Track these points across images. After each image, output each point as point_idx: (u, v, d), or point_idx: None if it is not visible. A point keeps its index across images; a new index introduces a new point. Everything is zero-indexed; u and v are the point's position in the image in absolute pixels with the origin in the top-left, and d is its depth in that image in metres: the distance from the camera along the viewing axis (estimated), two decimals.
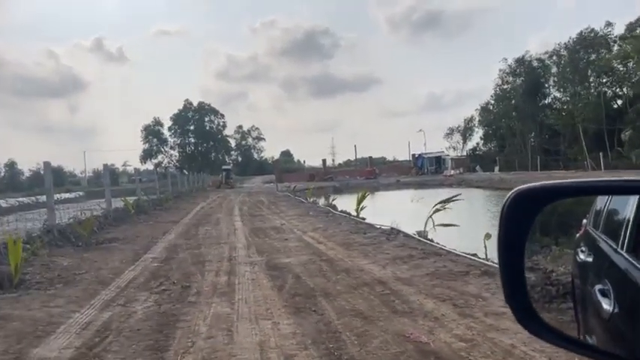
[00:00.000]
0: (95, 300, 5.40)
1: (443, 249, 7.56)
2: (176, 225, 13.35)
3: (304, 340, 3.93)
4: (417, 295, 5.06)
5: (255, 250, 8.49)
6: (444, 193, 18.03)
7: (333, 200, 19.41)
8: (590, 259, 1.29)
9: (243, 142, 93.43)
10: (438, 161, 61.08)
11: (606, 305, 1.02)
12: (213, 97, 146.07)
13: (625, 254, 1.06)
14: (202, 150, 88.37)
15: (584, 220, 1.36)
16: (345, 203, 17.71)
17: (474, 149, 69.43)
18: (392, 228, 10.11)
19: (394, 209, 18.96)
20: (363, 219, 13.09)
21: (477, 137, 69.92)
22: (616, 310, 0.99)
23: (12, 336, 4.15)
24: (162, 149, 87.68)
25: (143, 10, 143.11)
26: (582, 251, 1.35)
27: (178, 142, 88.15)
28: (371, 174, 55.64)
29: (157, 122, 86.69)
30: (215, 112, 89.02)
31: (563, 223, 1.32)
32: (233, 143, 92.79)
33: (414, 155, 66.27)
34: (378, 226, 10.74)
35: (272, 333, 4.15)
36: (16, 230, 9.97)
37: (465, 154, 68.83)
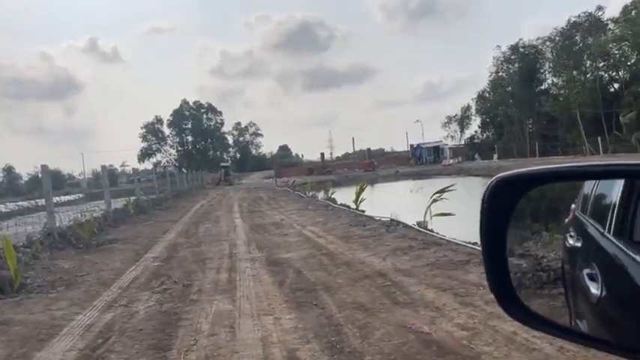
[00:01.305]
0: (97, 301, 5.42)
1: (443, 239, 7.58)
2: (176, 224, 13.36)
3: (306, 335, 3.95)
4: (417, 286, 5.08)
5: (255, 246, 8.51)
6: (443, 182, 18.04)
7: (332, 194, 19.43)
8: (578, 244, 1.29)
9: (241, 139, 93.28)
10: (437, 151, 61.15)
11: (594, 289, 1.02)
12: (210, 94, 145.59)
13: (612, 238, 1.06)
14: (200, 148, 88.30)
15: (573, 205, 1.36)
16: (345, 196, 17.73)
17: (472, 138, 69.45)
18: (391, 219, 10.13)
19: (393, 200, 18.99)
20: (363, 211, 13.10)
21: (474, 125, 69.93)
22: (604, 294, 0.99)
23: (15, 340, 4.16)
24: (161, 148, 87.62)
25: (135, 7, 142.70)
26: (571, 236, 1.35)
27: (177, 140, 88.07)
28: (369, 166, 55.62)
29: (158, 120, 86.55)
30: (213, 109, 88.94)
31: (552, 208, 1.32)
32: (231, 140, 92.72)
33: (412, 146, 66.27)
34: (378, 218, 10.75)
35: (274, 328, 4.17)
36: (16, 235, 9.99)
37: (463, 142, 68.87)
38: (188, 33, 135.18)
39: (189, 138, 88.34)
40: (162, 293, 5.68)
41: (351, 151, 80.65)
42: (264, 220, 12.80)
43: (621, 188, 1.06)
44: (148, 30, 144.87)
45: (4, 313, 4.91)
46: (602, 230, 1.12)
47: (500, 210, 1.00)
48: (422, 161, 59.40)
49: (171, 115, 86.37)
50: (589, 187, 1.27)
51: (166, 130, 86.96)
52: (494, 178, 1.00)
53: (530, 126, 59.05)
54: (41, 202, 11.75)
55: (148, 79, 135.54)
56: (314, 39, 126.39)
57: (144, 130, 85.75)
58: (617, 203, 1.07)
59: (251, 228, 11.18)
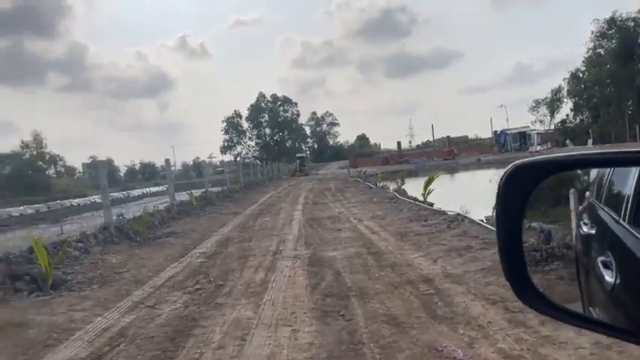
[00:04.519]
0: (124, 302, 5.24)
1: None
2: (237, 216, 13.27)
3: (319, 354, 3.43)
4: (464, 296, 4.36)
5: (303, 242, 8.09)
6: None
7: (402, 185, 18.56)
8: (592, 231, 1.29)
9: (318, 129, 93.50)
10: (523, 137, 57.37)
11: (608, 277, 1.02)
12: (292, 85, 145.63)
13: (627, 225, 1.04)
14: (278, 139, 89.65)
15: (587, 193, 1.35)
16: (418, 187, 16.79)
17: (564, 122, 64.26)
18: (457, 214, 9.26)
19: (469, 191, 17.83)
20: (431, 204, 12.22)
21: (566, 109, 64.62)
22: (618, 282, 0.98)
23: (22, 345, 4.02)
24: (241, 140, 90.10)
25: (220, 1, 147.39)
26: (585, 223, 1.34)
27: (255, 132, 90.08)
28: (449, 154, 53.49)
29: (237, 114, 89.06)
30: (289, 101, 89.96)
31: (552, 195, 1.32)
32: (308, 130, 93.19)
33: (495, 132, 62.85)
34: (443, 212, 9.92)
35: (287, 343, 3.70)
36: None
37: (552, 127, 64.10)
38: (271, 24, 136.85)
39: (267, 130, 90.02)
40: (192, 294, 5.41)
41: (431, 139, 78.34)
42: (323, 213, 12.34)
43: (637, 175, 1.04)
44: (233, 23, 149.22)
45: (26, 314, 4.84)
46: (617, 218, 1.11)
47: (516, 197, 1.01)
48: (506, 148, 56.12)
49: (249, 108, 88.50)
50: (604, 174, 1.26)
51: (245, 124, 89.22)
52: (510, 165, 1.01)
53: (630, 108, 53.66)
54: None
55: (233, 73, 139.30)
56: (395, 24, 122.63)
57: (224, 124, 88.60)
58: (633, 191, 1.05)
59: (306, 222, 10.77)
